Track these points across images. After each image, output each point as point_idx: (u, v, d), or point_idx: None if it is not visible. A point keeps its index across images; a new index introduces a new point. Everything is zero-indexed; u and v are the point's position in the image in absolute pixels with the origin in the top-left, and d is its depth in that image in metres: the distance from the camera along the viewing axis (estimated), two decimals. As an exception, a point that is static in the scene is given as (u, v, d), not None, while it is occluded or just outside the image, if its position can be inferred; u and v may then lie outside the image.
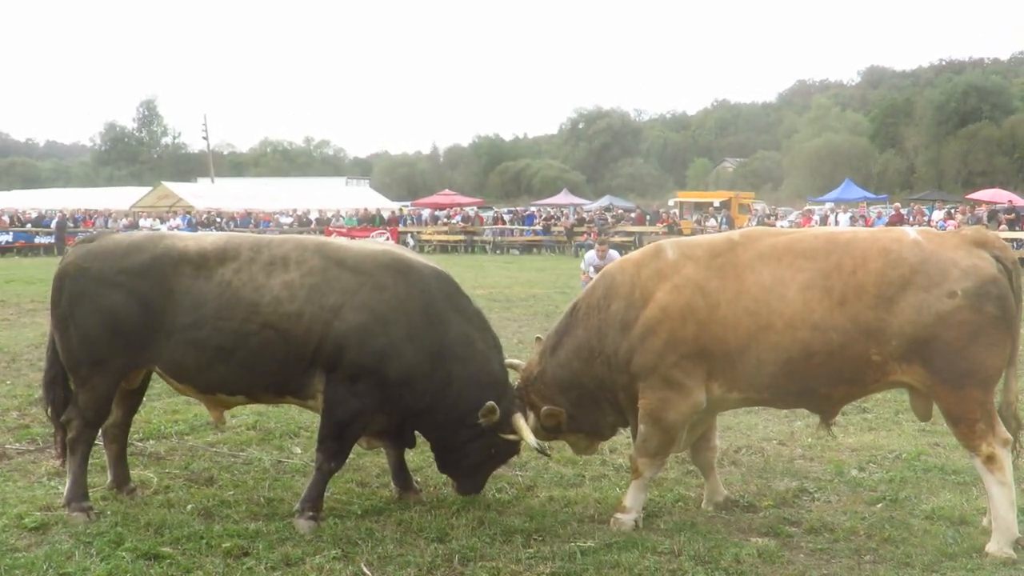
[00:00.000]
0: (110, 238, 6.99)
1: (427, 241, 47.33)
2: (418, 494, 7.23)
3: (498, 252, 45.72)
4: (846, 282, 6.02)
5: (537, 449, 6.72)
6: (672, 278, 6.37)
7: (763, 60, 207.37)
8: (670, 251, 6.59)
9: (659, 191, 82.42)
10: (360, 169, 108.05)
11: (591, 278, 16.39)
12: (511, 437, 6.69)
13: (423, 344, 6.57)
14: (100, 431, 7.12)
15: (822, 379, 6.13)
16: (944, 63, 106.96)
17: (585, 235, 44.72)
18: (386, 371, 6.49)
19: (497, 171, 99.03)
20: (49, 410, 7.11)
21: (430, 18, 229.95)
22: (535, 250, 46.03)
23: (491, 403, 6.44)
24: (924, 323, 5.89)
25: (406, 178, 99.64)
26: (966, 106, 78.75)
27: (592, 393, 6.77)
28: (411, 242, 45.81)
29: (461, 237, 48.19)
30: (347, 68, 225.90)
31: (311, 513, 6.49)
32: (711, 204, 47.28)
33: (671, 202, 57.86)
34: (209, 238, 6.99)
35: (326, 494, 6.89)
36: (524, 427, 6.65)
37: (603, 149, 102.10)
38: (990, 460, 5.93)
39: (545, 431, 6.88)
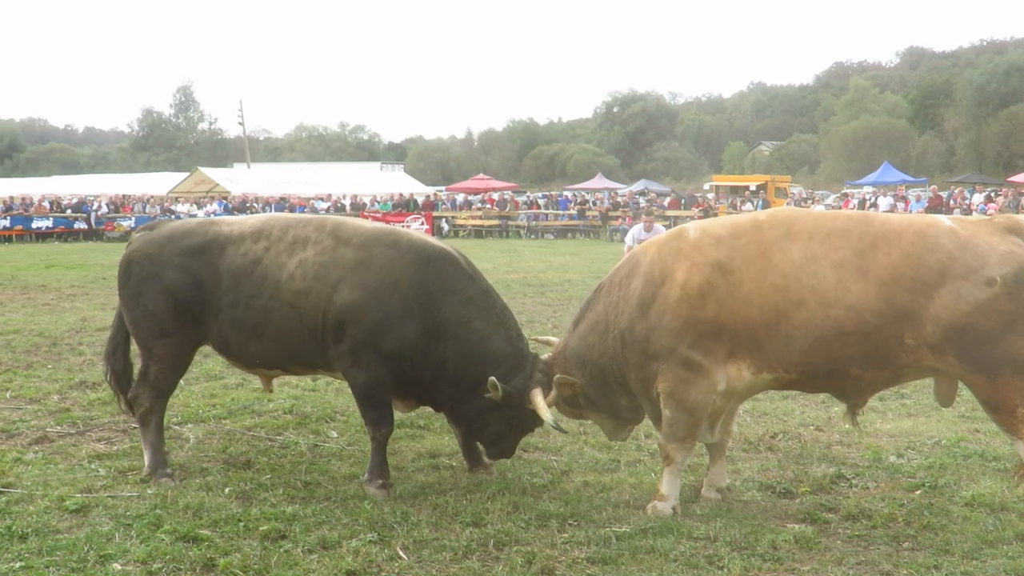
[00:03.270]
0: (168, 225, 7.61)
1: (461, 226, 47.41)
2: (488, 468, 7.44)
3: (532, 237, 45.71)
4: (882, 263, 5.93)
5: (552, 426, 6.80)
6: (692, 257, 6.30)
7: (800, 42, 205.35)
8: (692, 231, 6.55)
9: (694, 175, 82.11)
10: (395, 154, 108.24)
11: (630, 249, 16.28)
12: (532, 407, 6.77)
13: (417, 320, 6.81)
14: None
15: (855, 359, 6.04)
16: (985, 43, 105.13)
17: (619, 219, 44.64)
18: (381, 344, 6.79)
19: (531, 155, 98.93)
20: (109, 376, 7.73)
21: (466, 1, 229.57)
22: (570, 235, 45.94)
23: (492, 379, 6.58)
24: (962, 311, 5.79)
25: (440, 163, 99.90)
26: (1008, 87, 77.52)
27: (603, 370, 6.72)
28: (445, 227, 45.93)
29: (496, 222, 48.14)
30: (381, 53, 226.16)
31: (380, 481, 6.85)
32: (747, 188, 46.98)
33: (707, 186, 57.61)
34: (249, 220, 7.48)
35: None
36: (541, 403, 6.69)
37: (638, 133, 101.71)
38: None
39: (567, 405, 6.90)
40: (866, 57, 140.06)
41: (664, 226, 18.08)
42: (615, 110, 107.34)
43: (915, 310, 5.86)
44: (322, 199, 54.24)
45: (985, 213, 31.50)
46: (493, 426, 6.98)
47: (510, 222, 48.37)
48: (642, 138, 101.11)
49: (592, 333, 6.78)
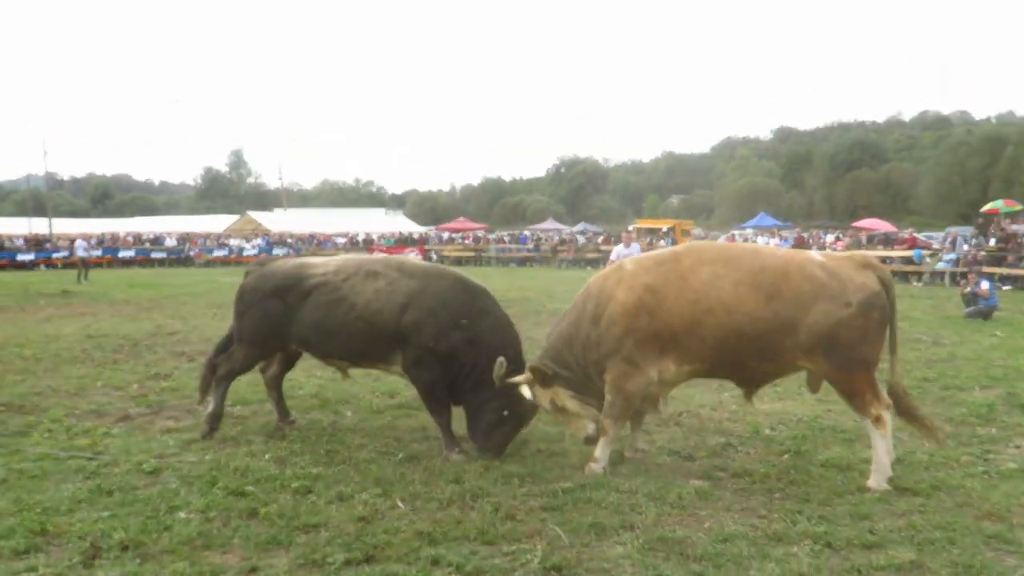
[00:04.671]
0: (273, 264, 7.86)
1: (446, 256, 47.28)
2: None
3: (500, 264, 45.68)
4: (771, 283, 6.01)
5: (530, 398, 6.63)
6: (628, 282, 6.36)
7: (700, 120, 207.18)
8: (629, 265, 6.61)
9: (621, 219, 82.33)
10: (396, 202, 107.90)
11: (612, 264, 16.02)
12: (517, 385, 6.65)
13: (460, 332, 6.87)
14: (266, 385, 8.07)
15: (751, 355, 6.09)
16: (836, 124, 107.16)
17: (565, 252, 44.80)
18: (437, 349, 6.87)
19: (500, 204, 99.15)
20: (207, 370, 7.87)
21: (451, 89, 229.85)
22: (528, 263, 45.95)
23: (501, 358, 6.57)
24: (828, 324, 5.90)
25: (431, 209, 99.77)
26: (852, 156, 79.23)
27: (570, 366, 6.66)
28: (434, 256, 45.84)
29: (472, 253, 48.20)
30: (387, 126, 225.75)
31: (457, 449, 6.90)
32: (661, 229, 47.13)
33: (631, 227, 57.74)
34: (332, 262, 7.64)
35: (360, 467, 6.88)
36: (519, 380, 6.64)
37: (579, 187, 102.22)
38: (877, 420, 5.98)
39: (540, 385, 6.70)
40: (748, 133, 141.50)
41: (640, 245, 17.58)
42: (562, 170, 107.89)
43: (794, 322, 5.93)
44: (341, 236, 53.97)
45: (835, 249, 31.87)
46: (490, 415, 6.84)
47: (483, 253, 48.39)
48: (582, 192, 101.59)
49: (560, 340, 6.75)
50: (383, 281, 7.14)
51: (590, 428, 6.69)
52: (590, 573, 4.63)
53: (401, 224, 69.00)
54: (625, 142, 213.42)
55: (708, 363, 6.23)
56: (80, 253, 34.17)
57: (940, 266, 29.04)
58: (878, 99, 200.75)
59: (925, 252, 31.28)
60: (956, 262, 27.97)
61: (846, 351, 5.93)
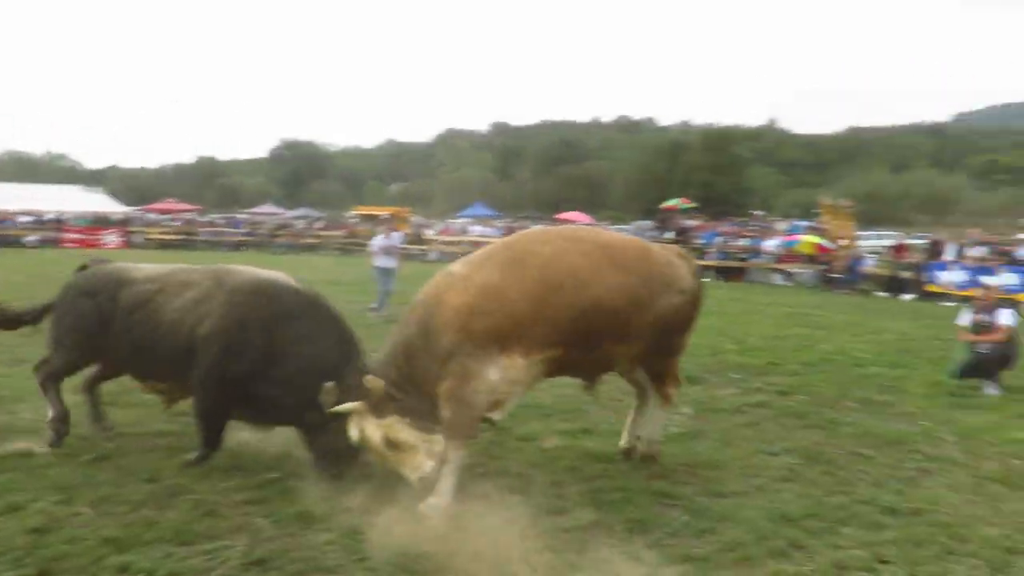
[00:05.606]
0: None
1: (151, 239, 43.41)
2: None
3: (211, 249, 42.88)
4: (628, 258, 5.72)
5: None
6: (457, 285, 5.53)
7: (423, 110, 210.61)
8: (455, 266, 5.80)
9: (342, 205, 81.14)
10: (95, 178, 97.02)
11: (374, 253, 15.04)
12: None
13: (257, 350, 5.80)
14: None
15: (607, 335, 5.59)
16: (546, 122, 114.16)
17: (283, 237, 43.29)
18: (228, 369, 5.84)
19: (215, 185, 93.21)
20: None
21: (159, 58, 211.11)
22: (242, 248, 43.12)
23: (330, 383, 5.53)
24: (669, 309, 5.84)
25: (136, 187, 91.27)
26: (560, 153, 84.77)
27: (411, 379, 5.53)
28: (142, 240, 41.97)
29: (181, 236, 44.75)
30: (81, 96, 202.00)
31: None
32: (380, 216, 47.19)
33: (351, 214, 57.20)
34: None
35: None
36: (345, 408, 5.42)
37: (299, 171, 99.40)
38: (667, 399, 6.28)
39: (375, 412, 5.43)
40: (468, 125, 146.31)
41: (402, 233, 16.65)
42: (284, 152, 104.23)
43: (646, 303, 5.70)
44: (26, 215, 47.44)
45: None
46: (320, 437, 5.71)
47: (193, 237, 45.14)
48: (303, 175, 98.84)
49: (397, 351, 5.61)
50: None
51: (427, 466, 5.36)
52: (294, 563, 4.52)
53: (100, 203, 62.28)
54: (349, 128, 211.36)
55: (562, 348, 5.49)
56: None
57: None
58: (582, 101, 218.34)
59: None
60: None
61: (673, 336, 6.01)
